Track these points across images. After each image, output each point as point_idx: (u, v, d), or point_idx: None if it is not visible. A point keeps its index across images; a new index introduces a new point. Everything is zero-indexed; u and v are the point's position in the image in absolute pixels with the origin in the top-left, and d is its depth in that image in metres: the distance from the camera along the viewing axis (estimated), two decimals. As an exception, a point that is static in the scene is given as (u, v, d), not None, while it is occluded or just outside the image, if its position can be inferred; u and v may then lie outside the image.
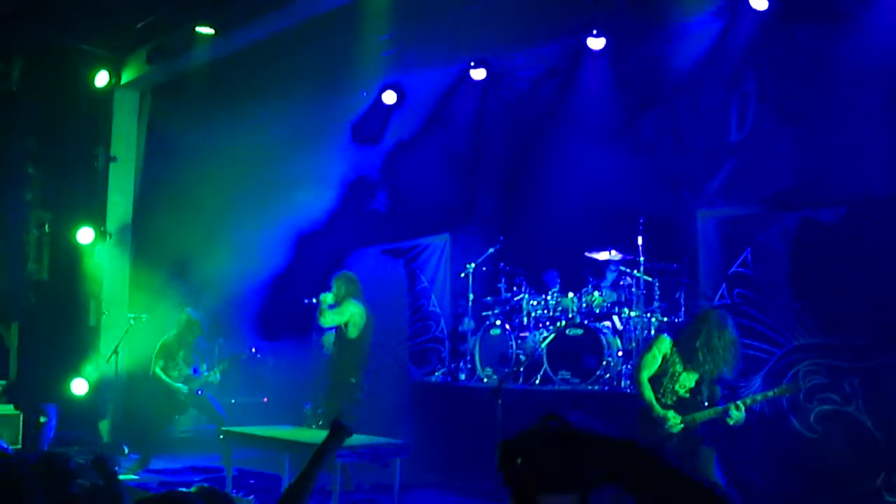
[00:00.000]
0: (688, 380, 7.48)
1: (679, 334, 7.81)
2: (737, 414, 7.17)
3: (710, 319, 7.47)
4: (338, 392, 10.53)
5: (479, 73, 12.90)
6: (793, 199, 9.94)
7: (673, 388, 7.49)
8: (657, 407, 7.45)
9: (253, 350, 12.79)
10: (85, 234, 14.69)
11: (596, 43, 11.80)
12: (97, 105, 15.11)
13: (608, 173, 11.54)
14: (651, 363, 7.59)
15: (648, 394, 7.51)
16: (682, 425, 7.39)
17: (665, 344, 7.62)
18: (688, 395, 7.48)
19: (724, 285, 10.35)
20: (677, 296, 10.91)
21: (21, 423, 13.69)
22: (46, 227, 15.70)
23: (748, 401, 7.33)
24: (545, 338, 10.76)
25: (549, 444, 1.36)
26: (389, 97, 13.66)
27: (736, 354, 7.43)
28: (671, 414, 7.40)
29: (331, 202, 13.66)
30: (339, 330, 10.60)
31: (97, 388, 14.32)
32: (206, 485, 4.87)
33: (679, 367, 7.47)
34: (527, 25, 11.68)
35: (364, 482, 10.25)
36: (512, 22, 11.60)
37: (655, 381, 7.55)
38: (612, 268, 11.23)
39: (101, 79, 14.82)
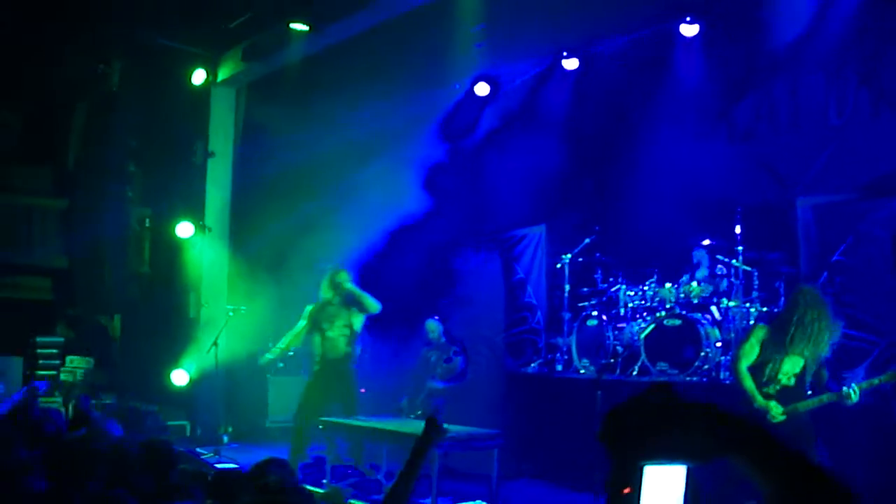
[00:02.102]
0: (791, 366, 7.34)
1: (775, 318, 7.69)
2: (854, 397, 7.04)
3: (803, 297, 7.36)
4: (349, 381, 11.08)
5: (571, 63, 12.85)
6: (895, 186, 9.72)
7: (776, 377, 7.35)
8: (758, 397, 7.33)
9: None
10: (184, 229, 15.00)
11: (689, 30, 11.67)
12: (195, 102, 15.41)
13: (704, 161, 11.40)
14: (749, 352, 7.48)
15: (748, 383, 7.40)
16: (785, 416, 7.27)
17: (761, 332, 7.50)
18: (792, 383, 7.35)
19: (825, 274, 10.17)
20: (777, 285, 10.70)
21: (125, 412, 14.11)
22: (147, 222, 16.10)
23: (864, 385, 7.18)
24: (643, 329, 10.68)
25: (659, 413, 1.35)
26: (482, 89, 13.66)
27: (832, 331, 7.27)
28: (773, 404, 7.29)
29: (426, 194, 13.70)
30: (350, 321, 11.10)
31: (197, 379, 14.62)
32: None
33: (779, 355, 7.35)
34: (618, 13, 11.59)
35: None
36: (603, 10, 11.53)
37: (758, 371, 7.42)
38: (710, 258, 11.07)
39: (198, 77, 15.11)
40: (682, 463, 1.38)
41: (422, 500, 8.95)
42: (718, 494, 6.43)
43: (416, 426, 10.01)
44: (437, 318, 11.98)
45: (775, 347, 7.36)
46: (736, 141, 11.64)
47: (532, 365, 12.23)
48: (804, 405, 7.25)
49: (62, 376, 15.77)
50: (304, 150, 13.96)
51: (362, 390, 13.06)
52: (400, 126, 13.53)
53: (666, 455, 1.36)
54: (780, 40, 10.92)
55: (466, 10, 11.76)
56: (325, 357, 11.04)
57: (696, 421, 1.35)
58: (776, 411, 7.25)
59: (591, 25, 12.05)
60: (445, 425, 9.43)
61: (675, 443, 1.35)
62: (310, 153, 13.92)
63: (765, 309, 10.58)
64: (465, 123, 13.99)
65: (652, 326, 9.97)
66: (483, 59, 12.95)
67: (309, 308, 11.30)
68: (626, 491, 1.38)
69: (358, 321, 11.09)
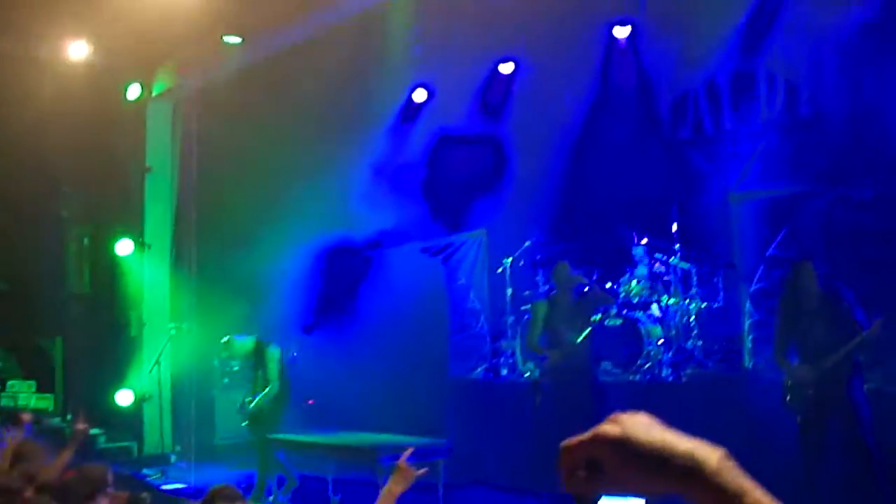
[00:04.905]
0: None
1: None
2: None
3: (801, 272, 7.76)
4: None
5: (507, 67, 12.87)
6: (826, 178, 9.87)
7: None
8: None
9: (294, 354, 12.89)
10: (124, 246, 14.82)
11: (621, 31, 11.76)
12: (130, 118, 15.23)
13: (640, 161, 11.49)
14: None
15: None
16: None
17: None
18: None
19: (761, 267, 10.30)
20: (715, 280, 10.85)
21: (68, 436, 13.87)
22: (86, 240, 15.87)
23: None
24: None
25: (615, 450, 1.34)
26: (420, 95, 13.64)
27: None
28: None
29: (369, 201, 13.61)
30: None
31: (141, 399, 14.45)
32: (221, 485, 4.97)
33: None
34: (552, 16, 11.65)
35: None
36: (537, 16, 11.61)
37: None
38: (649, 256, 11.16)
39: (133, 92, 14.94)
40: (638, 496, 1.37)
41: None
42: None
43: (364, 438, 10.02)
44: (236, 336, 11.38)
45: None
46: (670, 140, 11.75)
47: (477, 370, 12.20)
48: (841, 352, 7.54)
49: (2, 402, 15.51)
50: (244, 163, 13.84)
51: (310, 401, 12.99)
52: (340, 134, 13.45)
53: (620, 487, 1.35)
54: (712, 39, 11.04)
55: (400, 19, 11.76)
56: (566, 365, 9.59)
57: (650, 458, 1.32)
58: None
59: (526, 32, 12.09)
60: (395, 436, 9.39)
61: (631, 479, 1.34)
62: (249, 165, 13.80)
63: (704, 305, 10.71)
64: (405, 129, 13.92)
65: (588, 329, 9.84)
66: (419, 66, 12.93)
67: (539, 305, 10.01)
68: None
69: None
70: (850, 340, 7.47)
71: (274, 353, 10.69)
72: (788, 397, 7.84)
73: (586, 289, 9.92)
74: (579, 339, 9.39)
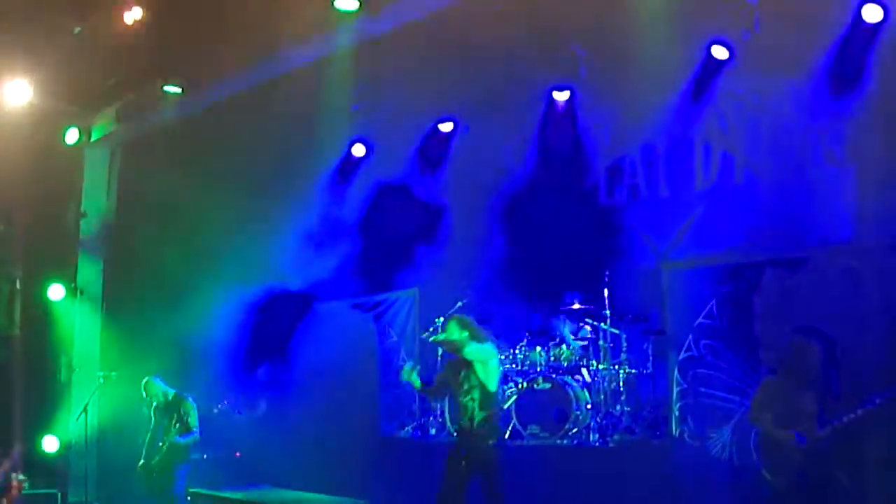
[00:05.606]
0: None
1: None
2: None
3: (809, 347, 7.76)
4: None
5: (446, 126, 12.97)
6: (757, 248, 9.98)
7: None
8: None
9: (224, 402, 12.76)
10: (56, 291, 14.62)
11: (560, 95, 11.91)
12: (68, 162, 15.09)
13: (575, 225, 11.59)
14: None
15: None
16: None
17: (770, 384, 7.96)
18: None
19: (690, 336, 10.36)
20: (645, 347, 10.92)
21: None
22: (17, 283, 15.63)
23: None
24: (513, 394, 10.74)
25: None
26: (359, 150, 13.69)
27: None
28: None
29: (303, 255, 13.60)
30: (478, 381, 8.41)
31: (67, 446, 14.18)
32: None
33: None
34: (493, 80, 11.78)
35: None
36: (478, 77, 11.73)
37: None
38: (580, 321, 11.24)
39: (72, 136, 14.82)
40: None
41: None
42: None
43: (286, 496, 9.93)
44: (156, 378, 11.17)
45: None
46: (605, 205, 11.86)
47: (406, 428, 12.14)
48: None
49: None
50: (180, 212, 13.76)
51: (237, 454, 12.85)
52: (277, 186, 13.45)
53: None
54: (650, 106, 11.19)
55: (340, 75, 11.80)
56: (459, 426, 8.75)
57: None
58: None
59: (466, 90, 12.20)
60: (319, 495, 9.30)
61: None
62: (186, 215, 13.73)
63: (633, 371, 10.77)
64: (343, 184, 13.94)
65: (515, 396, 9.77)
66: (359, 121, 12.99)
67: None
68: None
69: (491, 380, 8.43)
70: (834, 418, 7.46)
71: (193, 404, 10.77)
72: (766, 456, 7.84)
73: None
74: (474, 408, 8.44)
